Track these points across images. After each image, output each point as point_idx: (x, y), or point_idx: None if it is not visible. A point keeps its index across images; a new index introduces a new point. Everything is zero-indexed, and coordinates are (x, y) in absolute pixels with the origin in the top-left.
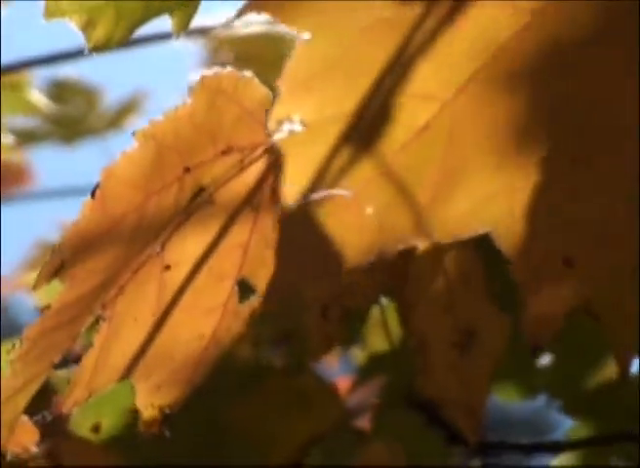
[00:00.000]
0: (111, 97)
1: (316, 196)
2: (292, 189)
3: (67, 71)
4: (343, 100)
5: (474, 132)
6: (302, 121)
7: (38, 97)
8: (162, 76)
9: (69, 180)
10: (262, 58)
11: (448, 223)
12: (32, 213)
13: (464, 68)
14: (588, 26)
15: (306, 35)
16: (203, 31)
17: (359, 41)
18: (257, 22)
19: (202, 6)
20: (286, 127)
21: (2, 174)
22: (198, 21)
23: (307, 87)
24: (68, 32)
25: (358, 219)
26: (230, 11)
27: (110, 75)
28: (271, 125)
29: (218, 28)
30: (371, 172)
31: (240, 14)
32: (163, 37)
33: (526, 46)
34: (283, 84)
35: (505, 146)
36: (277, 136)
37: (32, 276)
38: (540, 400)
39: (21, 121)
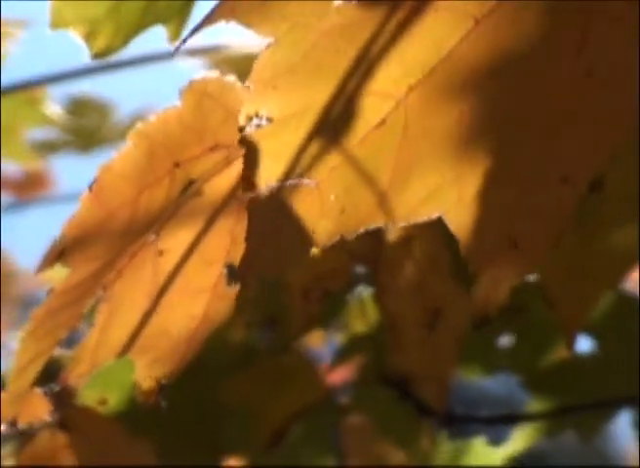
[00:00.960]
0: (122, 111)
1: (283, 184)
2: (258, 177)
3: (83, 88)
4: (307, 98)
5: (426, 127)
6: (269, 117)
7: (56, 111)
8: (168, 93)
9: (85, 185)
10: None
11: (403, 208)
12: (52, 214)
13: (417, 70)
14: (527, 32)
15: (271, 38)
16: (204, 51)
17: (320, 44)
18: (251, 45)
19: (206, 30)
20: (255, 122)
21: (25, 180)
22: (199, 42)
23: (273, 86)
24: (83, 51)
25: (322, 205)
26: (229, 34)
27: (121, 91)
28: (241, 120)
29: (216, 49)
30: (334, 162)
31: (209, 19)
32: (168, 56)
33: (469, 50)
34: (251, 83)
35: (454, 140)
36: (247, 130)
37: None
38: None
39: (42, 133)
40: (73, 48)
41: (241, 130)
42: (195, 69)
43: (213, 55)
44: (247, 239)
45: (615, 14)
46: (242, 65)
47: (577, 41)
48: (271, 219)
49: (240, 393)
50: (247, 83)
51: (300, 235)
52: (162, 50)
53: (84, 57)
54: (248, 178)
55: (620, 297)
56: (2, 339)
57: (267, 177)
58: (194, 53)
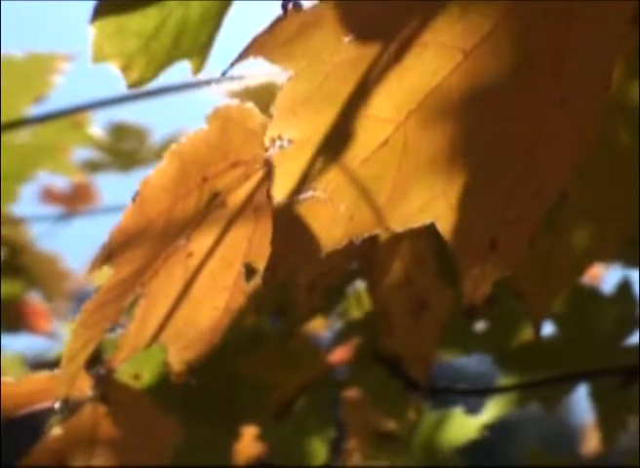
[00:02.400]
0: (157, 135)
1: (300, 197)
2: (281, 191)
3: (123, 114)
4: (321, 122)
5: (422, 147)
6: (290, 139)
7: (99, 134)
8: (196, 119)
9: (125, 199)
10: (268, 102)
11: (401, 217)
12: (95, 224)
13: (413, 97)
14: (508, 64)
15: (292, 73)
16: (223, 81)
17: (332, 76)
18: (264, 75)
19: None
20: (277, 143)
21: (73, 194)
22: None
23: (293, 112)
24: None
25: (332, 214)
26: (247, 69)
27: (156, 118)
28: (267, 142)
29: (235, 80)
30: (342, 177)
31: (242, 56)
32: (195, 86)
33: (458, 80)
34: (275, 110)
35: (444, 158)
36: (271, 151)
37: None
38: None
39: (88, 153)
40: (113, 78)
41: (266, 150)
42: (217, 97)
43: (231, 84)
44: (272, 244)
45: (583, 49)
46: (255, 93)
47: (551, 73)
48: (292, 227)
49: (254, 371)
50: (271, 110)
51: (315, 240)
52: (189, 80)
53: (122, 86)
54: (270, 193)
55: (577, 289)
56: (55, 329)
57: (289, 191)
58: (215, 82)
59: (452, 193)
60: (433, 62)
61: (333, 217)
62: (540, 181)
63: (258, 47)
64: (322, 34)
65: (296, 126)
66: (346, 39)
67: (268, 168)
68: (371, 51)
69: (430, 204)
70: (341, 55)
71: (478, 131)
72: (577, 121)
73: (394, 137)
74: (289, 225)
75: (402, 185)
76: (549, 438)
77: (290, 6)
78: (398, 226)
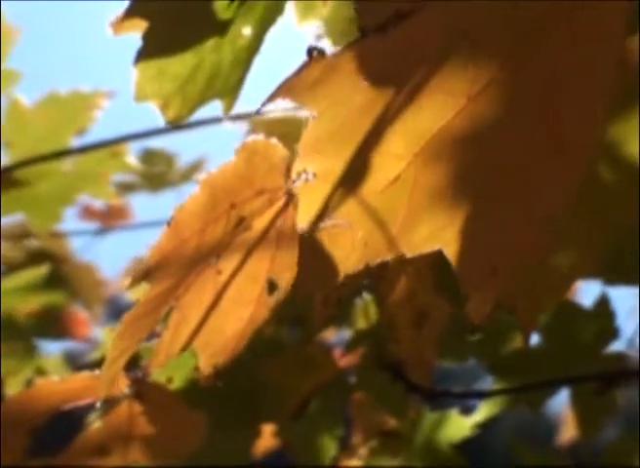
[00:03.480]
0: (183, 160)
1: (322, 224)
2: (305, 219)
3: (155, 143)
4: (340, 159)
5: (430, 182)
6: (313, 173)
7: (134, 161)
8: (218, 147)
9: (155, 217)
10: (284, 134)
11: (411, 244)
12: (128, 238)
13: (422, 137)
14: (504, 112)
15: (315, 113)
16: (245, 116)
17: (350, 117)
18: (281, 109)
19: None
20: (303, 177)
21: (109, 212)
22: (242, 109)
23: (316, 149)
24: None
25: (350, 241)
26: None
27: (183, 146)
28: (293, 175)
29: (254, 114)
30: (359, 208)
31: (271, 98)
32: (219, 120)
33: (461, 122)
34: (300, 147)
35: (449, 192)
36: (297, 183)
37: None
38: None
39: (123, 177)
40: (142, 112)
41: (292, 182)
42: (237, 127)
43: (252, 119)
44: (298, 265)
45: (574, 94)
46: (274, 127)
47: (544, 115)
48: (315, 251)
49: (273, 375)
50: (296, 146)
51: (335, 263)
52: (212, 115)
53: (153, 119)
54: (293, 220)
55: (561, 304)
56: (92, 333)
57: (312, 219)
58: (236, 118)
59: (456, 223)
60: (440, 106)
61: (350, 244)
62: (534, 212)
63: (286, 90)
64: (342, 79)
65: (318, 161)
66: (364, 84)
67: (290, 196)
68: (385, 95)
69: (437, 233)
70: (359, 98)
71: (478, 167)
72: (568, 157)
73: (405, 173)
74: (312, 250)
75: (412, 216)
76: (526, 426)
77: (314, 53)
78: (408, 252)
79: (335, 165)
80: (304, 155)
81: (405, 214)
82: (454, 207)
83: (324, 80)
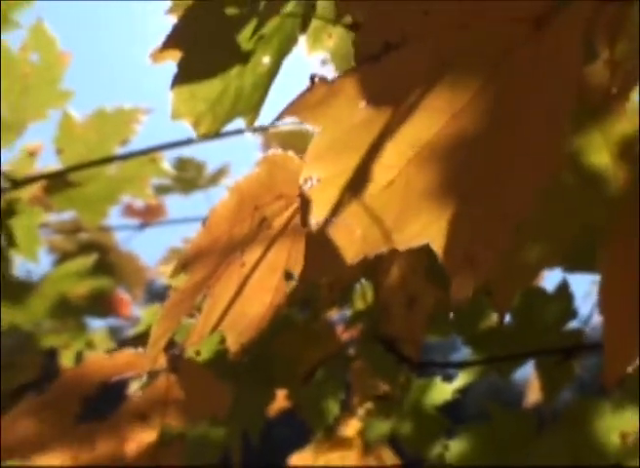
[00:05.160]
0: (210, 167)
1: (328, 221)
2: (312, 218)
3: (186, 153)
4: (341, 167)
5: (420, 186)
6: (318, 179)
7: (168, 167)
8: (240, 156)
9: (186, 215)
10: (296, 145)
11: (404, 239)
12: (164, 232)
13: (412, 147)
14: (481, 125)
15: (319, 128)
16: (261, 129)
17: (349, 132)
18: (292, 123)
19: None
20: (309, 182)
21: (147, 210)
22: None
23: (320, 158)
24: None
25: (351, 237)
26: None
27: (211, 155)
28: (300, 181)
29: (268, 127)
30: (359, 208)
31: (281, 116)
32: (241, 132)
33: (446, 133)
34: (307, 157)
35: (436, 193)
36: (305, 188)
37: (167, 268)
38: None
39: (159, 180)
40: (175, 126)
41: (300, 187)
42: (257, 142)
43: (268, 131)
44: (305, 258)
45: (540, 110)
46: (286, 139)
47: (515, 128)
48: (320, 245)
49: (285, 347)
50: (304, 157)
51: (338, 255)
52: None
53: (185, 132)
54: (305, 218)
55: (528, 289)
56: (133, 312)
57: (317, 217)
58: (256, 130)
59: (442, 221)
60: (428, 121)
61: (351, 239)
62: (508, 210)
63: (292, 110)
64: (342, 100)
65: (321, 169)
66: (360, 105)
67: (302, 199)
68: (378, 114)
69: (426, 229)
70: (356, 116)
71: (460, 173)
72: (536, 164)
73: (398, 179)
74: (318, 244)
75: (404, 215)
76: (498, 391)
77: (317, 79)
78: (401, 246)
79: (336, 172)
80: (310, 164)
81: (398, 213)
82: (439, 207)
83: (325, 101)
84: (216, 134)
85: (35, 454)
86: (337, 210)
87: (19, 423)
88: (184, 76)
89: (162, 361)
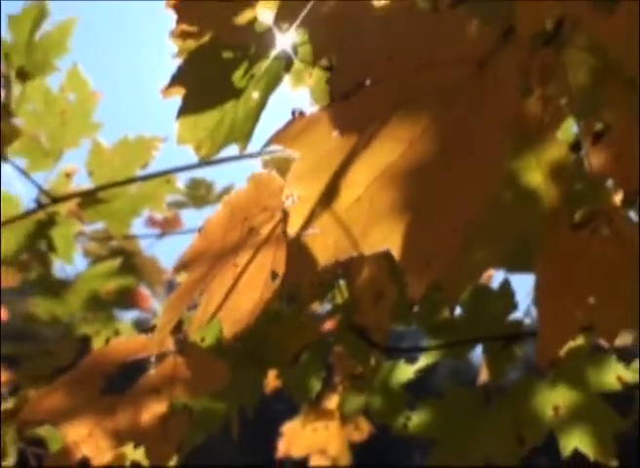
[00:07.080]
0: (218, 187)
1: (305, 231)
2: (292, 229)
3: (199, 174)
4: (316, 186)
5: (382, 201)
6: (298, 196)
7: (181, 187)
8: (244, 177)
9: (198, 226)
10: (288, 168)
11: (369, 245)
12: (180, 241)
13: (376, 169)
14: (434, 151)
15: (299, 154)
16: (254, 155)
17: (324, 156)
18: (281, 152)
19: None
20: (290, 199)
21: (166, 222)
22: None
23: (299, 179)
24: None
25: (324, 244)
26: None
27: (218, 177)
28: (283, 198)
29: (258, 153)
30: (331, 220)
31: (266, 144)
32: (242, 158)
33: (404, 159)
34: (288, 177)
35: (397, 207)
36: (286, 203)
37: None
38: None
39: (175, 197)
40: (187, 152)
41: (283, 203)
42: (254, 163)
43: (262, 156)
44: (286, 261)
45: (483, 139)
46: (280, 163)
47: (462, 155)
48: (298, 250)
49: (275, 335)
50: (286, 177)
51: (314, 259)
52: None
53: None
54: (286, 228)
55: (476, 286)
56: (153, 306)
57: (296, 227)
58: (253, 156)
59: (401, 230)
60: (389, 147)
61: (325, 245)
62: (457, 221)
63: (277, 139)
64: (318, 130)
65: (301, 188)
66: (334, 134)
67: (284, 213)
68: (348, 141)
69: (388, 237)
70: (330, 144)
71: (416, 191)
72: (480, 183)
73: (364, 195)
74: (297, 250)
75: (370, 225)
76: (458, 372)
77: (297, 113)
78: (367, 251)
79: (312, 191)
80: (291, 183)
81: (364, 224)
82: (399, 218)
83: (304, 132)
84: (218, 158)
85: (65, 421)
86: (311, 222)
87: (52, 395)
88: (188, 108)
89: (170, 345)
